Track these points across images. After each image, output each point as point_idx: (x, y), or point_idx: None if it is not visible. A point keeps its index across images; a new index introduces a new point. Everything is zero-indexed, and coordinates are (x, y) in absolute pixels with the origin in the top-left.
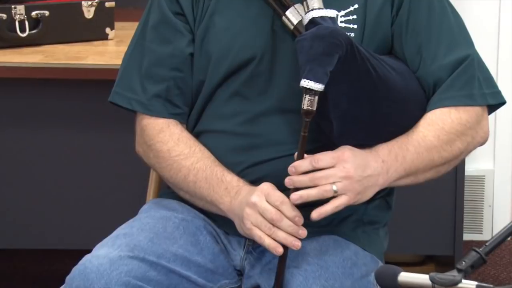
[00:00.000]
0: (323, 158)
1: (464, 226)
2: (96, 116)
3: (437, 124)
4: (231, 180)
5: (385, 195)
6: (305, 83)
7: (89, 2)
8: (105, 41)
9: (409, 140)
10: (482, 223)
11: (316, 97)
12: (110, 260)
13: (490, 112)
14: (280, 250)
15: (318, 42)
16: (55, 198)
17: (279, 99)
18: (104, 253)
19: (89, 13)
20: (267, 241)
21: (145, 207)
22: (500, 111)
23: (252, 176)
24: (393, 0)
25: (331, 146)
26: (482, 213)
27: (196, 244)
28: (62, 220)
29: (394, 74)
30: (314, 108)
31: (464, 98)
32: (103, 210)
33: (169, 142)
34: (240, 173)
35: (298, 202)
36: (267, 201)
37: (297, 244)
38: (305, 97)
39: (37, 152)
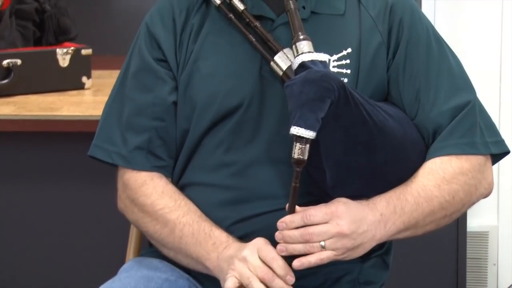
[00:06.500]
0: (316, 213)
1: (467, 286)
2: (72, 170)
3: (438, 173)
4: (220, 235)
5: (382, 253)
6: (295, 130)
7: (65, 50)
8: (81, 91)
9: (407, 190)
10: (486, 283)
11: (307, 145)
12: None
13: (493, 162)
14: None
15: (308, 87)
16: (21, 257)
17: (268, 149)
18: None
19: (64, 61)
20: None
21: (125, 266)
22: (504, 162)
23: (240, 232)
24: (388, 44)
25: (325, 199)
26: (486, 272)
27: None
28: (30, 283)
29: (391, 121)
30: (305, 157)
31: (466, 146)
32: (77, 272)
33: (153, 195)
34: (227, 229)
35: (284, 254)
36: (259, 256)
37: None
38: (295, 145)
39: (4, 209)
